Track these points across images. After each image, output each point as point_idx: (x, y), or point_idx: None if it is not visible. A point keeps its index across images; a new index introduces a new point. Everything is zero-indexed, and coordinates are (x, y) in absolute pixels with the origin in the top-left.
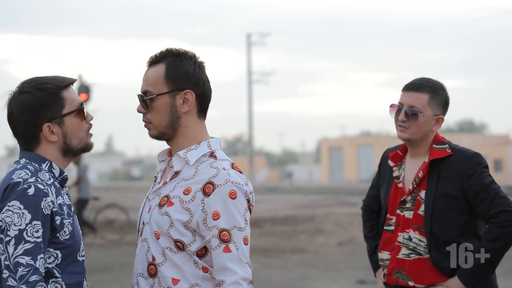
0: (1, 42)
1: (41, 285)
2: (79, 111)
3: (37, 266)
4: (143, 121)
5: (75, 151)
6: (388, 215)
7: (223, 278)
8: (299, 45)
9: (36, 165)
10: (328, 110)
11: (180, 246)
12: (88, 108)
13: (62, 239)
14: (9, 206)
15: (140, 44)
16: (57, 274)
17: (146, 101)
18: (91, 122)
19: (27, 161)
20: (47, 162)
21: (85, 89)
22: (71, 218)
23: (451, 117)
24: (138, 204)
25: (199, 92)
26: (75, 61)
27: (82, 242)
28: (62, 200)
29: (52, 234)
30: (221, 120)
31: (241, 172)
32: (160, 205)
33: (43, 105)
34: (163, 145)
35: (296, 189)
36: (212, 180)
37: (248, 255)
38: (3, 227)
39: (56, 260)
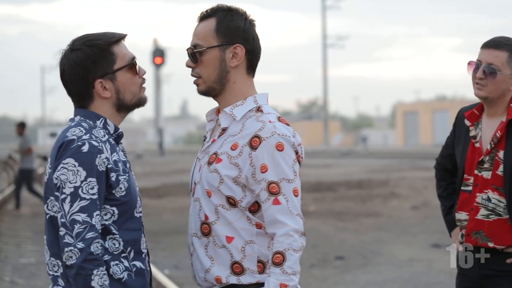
0: (75, 7)
1: (98, 242)
2: (131, 66)
3: (93, 223)
4: (192, 75)
5: (129, 106)
6: (465, 175)
7: (274, 230)
8: (374, 9)
9: (91, 122)
10: (402, 74)
11: (232, 202)
12: (163, 72)
13: (118, 196)
14: (63, 163)
15: None
16: (114, 231)
17: (196, 55)
18: (144, 76)
19: (82, 118)
20: (101, 118)
21: (160, 53)
22: (127, 175)
23: None
24: None
25: (249, 47)
26: (149, 26)
27: (139, 199)
28: (117, 157)
29: (107, 191)
30: (296, 84)
31: (288, 125)
32: (209, 163)
33: (94, 62)
34: None
35: (370, 153)
36: (258, 133)
37: (300, 207)
38: (58, 184)
39: (113, 217)
